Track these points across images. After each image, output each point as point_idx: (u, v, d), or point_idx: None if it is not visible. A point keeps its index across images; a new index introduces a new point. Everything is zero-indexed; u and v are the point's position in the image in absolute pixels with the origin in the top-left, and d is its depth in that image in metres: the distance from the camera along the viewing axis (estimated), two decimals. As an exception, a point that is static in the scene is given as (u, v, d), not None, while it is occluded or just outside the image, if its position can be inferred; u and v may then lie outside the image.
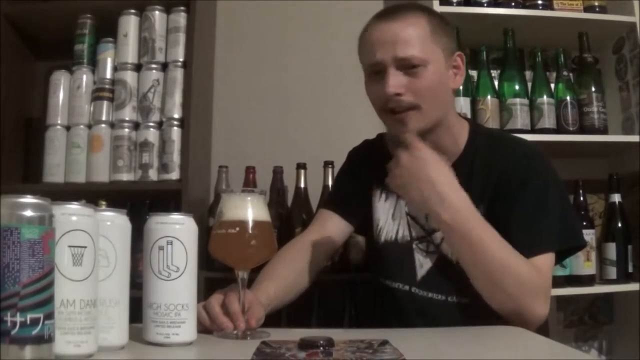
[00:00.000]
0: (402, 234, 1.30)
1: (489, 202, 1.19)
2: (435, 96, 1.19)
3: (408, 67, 1.16)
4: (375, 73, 1.20)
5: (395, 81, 1.16)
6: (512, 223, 1.15)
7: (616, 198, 1.99)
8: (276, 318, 1.88)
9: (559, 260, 1.21)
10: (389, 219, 1.32)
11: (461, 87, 1.94)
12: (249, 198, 0.98)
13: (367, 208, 1.35)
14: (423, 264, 1.26)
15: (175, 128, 1.88)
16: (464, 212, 1.10)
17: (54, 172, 1.93)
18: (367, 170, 1.37)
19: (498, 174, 1.20)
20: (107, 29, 1.97)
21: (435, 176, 1.11)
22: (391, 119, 1.20)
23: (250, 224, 0.97)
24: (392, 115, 1.19)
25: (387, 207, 1.33)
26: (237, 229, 0.96)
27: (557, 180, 1.21)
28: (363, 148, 1.47)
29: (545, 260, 1.14)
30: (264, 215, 0.99)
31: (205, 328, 0.96)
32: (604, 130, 1.99)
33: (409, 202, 1.22)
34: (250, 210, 0.97)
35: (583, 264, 1.90)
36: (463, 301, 1.20)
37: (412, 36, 1.17)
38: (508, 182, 1.18)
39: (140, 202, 1.85)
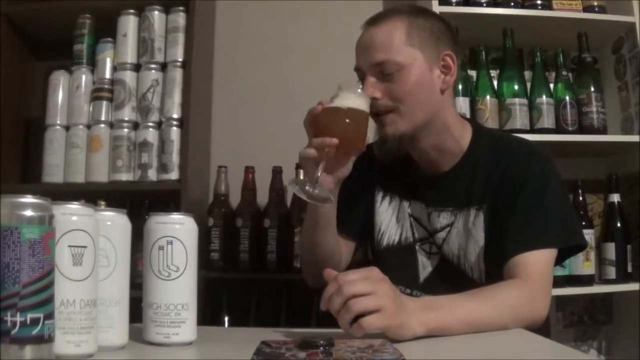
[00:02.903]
0: (405, 236, 1.30)
1: (491, 202, 1.19)
2: (415, 99, 1.18)
3: (383, 72, 1.18)
4: (361, 79, 1.23)
5: (371, 86, 1.18)
6: (511, 220, 1.15)
7: (615, 198, 1.99)
8: (276, 318, 1.89)
9: (560, 260, 1.20)
10: (392, 222, 1.32)
11: (460, 87, 1.95)
12: (354, 94, 1.14)
13: (369, 216, 1.35)
14: (426, 265, 1.27)
15: (175, 128, 1.88)
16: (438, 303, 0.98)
17: (53, 172, 1.93)
18: (368, 176, 1.36)
19: (500, 174, 1.20)
20: (106, 29, 1.97)
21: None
22: (374, 121, 1.22)
23: (353, 108, 1.13)
24: (374, 118, 1.21)
25: (390, 211, 1.33)
26: (344, 109, 1.12)
27: (558, 180, 1.21)
28: (364, 153, 1.45)
29: (541, 257, 1.12)
30: (366, 108, 1.15)
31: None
32: (603, 130, 1.99)
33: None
34: (356, 101, 1.13)
35: (582, 264, 1.91)
36: None
37: (385, 41, 1.18)
38: (509, 181, 1.18)
39: (139, 202, 1.85)
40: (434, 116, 1.21)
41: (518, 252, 1.11)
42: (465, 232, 1.21)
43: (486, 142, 1.25)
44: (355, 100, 1.13)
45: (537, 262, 1.11)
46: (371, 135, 1.46)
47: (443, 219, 1.24)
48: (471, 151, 1.25)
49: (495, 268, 1.15)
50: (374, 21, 1.22)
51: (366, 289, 0.87)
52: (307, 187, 1.10)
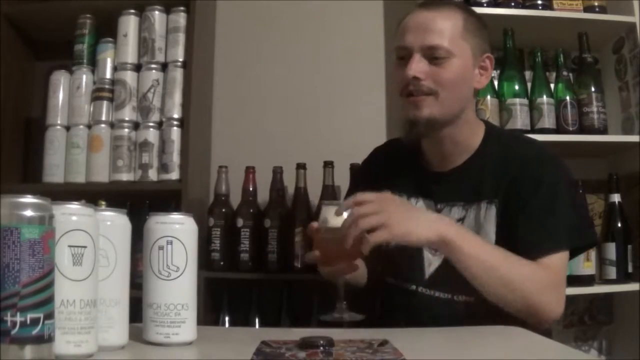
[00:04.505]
0: None
1: (502, 200, 1.21)
2: (455, 89, 1.22)
3: (434, 56, 1.20)
4: (402, 57, 1.24)
5: (418, 66, 1.20)
6: (523, 223, 1.16)
7: (616, 198, 1.99)
8: (276, 318, 1.89)
9: (571, 257, 1.23)
10: None
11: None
12: (346, 212, 1.11)
13: None
14: (432, 262, 1.27)
15: (175, 128, 1.88)
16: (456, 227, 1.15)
17: (54, 172, 1.93)
18: (379, 177, 1.37)
19: (511, 174, 1.21)
20: (107, 29, 1.97)
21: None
22: (407, 101, 1.23)
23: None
24: (408, 98, 1.22)
25: None
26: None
27: (568, 181, 1.24)
28: (373, 156, 1.49)
29: (556, 259, 1.15)
30: None
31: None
32: (603, 130, 1.99)
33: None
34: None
35: (583, 264, 1.90)
36: (469, 300, 1.20)
37: (443, 27, 1.21)
38: (520, 182, 1.20)
39: (139, 202, 1.85)
40: (463, 110, 1.25)
41: (534, 257, 1.13)
42: (476, 226, 1.23)
43: (497, 141, 1.28)
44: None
45: (549, 263, 1.14)
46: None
47: (454, 213, 1.25)
48: (482, 148, 1.28)
49: None
50: (432, 5, 1.25)
51: (373, 209, 1.05)
52: (336, 315, 1.12)
